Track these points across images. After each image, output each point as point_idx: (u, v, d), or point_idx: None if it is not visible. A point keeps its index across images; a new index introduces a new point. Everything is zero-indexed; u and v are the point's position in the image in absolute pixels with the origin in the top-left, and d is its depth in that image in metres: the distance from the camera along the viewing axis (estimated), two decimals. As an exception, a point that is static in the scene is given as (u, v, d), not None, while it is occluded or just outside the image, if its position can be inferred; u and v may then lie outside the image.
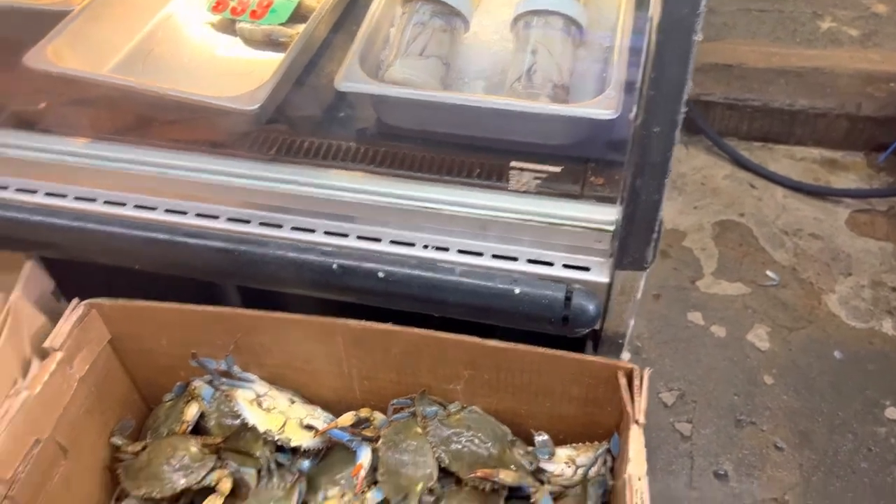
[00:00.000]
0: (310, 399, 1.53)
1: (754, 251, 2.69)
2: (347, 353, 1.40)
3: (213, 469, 1.40)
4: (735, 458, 2.17)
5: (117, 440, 1.49)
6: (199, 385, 1.50)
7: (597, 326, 1.25)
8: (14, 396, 1.24)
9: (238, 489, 1.42)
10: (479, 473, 1.36)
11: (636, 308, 1.22)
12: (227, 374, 1.49)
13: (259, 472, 1.45)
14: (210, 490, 1.39)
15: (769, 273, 2.61)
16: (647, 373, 1.25)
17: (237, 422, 1.47)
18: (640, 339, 2.45)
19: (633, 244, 1.11)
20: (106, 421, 1.48)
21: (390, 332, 1.34)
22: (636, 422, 1.20)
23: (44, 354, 1.32)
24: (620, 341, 1.29)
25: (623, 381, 1.26)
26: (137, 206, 1.33)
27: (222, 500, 1.37)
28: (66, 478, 1.36)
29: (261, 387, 1.48)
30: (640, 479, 1.12)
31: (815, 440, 2.18)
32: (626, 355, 1.34)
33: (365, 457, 1.40)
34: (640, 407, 1.21)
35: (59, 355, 1.31)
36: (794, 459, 2.15)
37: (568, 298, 1.19)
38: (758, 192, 2.91)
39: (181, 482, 1.39)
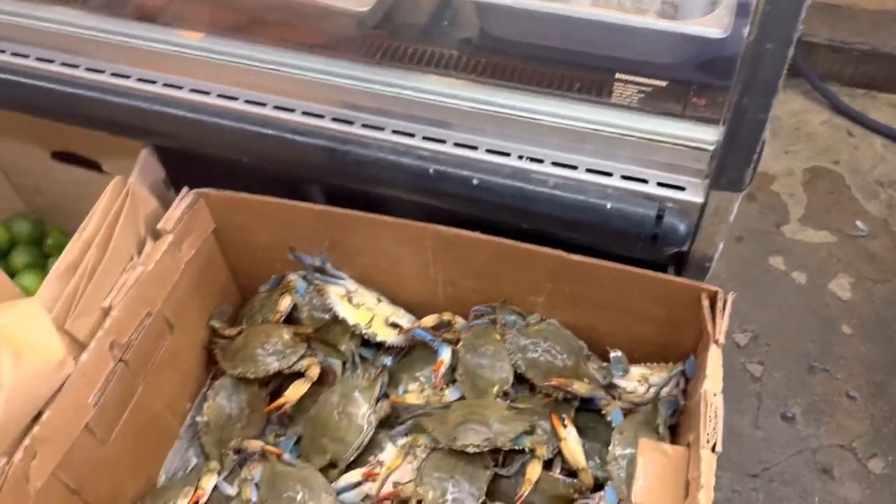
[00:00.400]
0: (394, 301, 1.60)
1: (845, 200, 2.62)
2: (434, 258, 1.45)
3: (303, 356, 1.50)
4: (804, 402, 2.17)
5: (215, 323, 1.60)
6: (295, 279, 1.59)
7: (684, 248, 1.27)
8: (130, 271, 1.35)
9: (324, 377, 1.52)
10: (554, 382, 1.41)
11: (727, 232, 1.23)
12: (320, 270, 1.57)
13: (344, 363, 1.54)
14: (298, 375, 1.50)
15: (859, 223, 2.54)
16: (731, 297, 1.26)
17: (327, 315, 1.55)
18: (718, 279, 2.41)
19: (732, 164, 1.11)
20: (207, 305, 1.59)
21: (477, 241, 1.38)
22: (716, 342, 1.22)
23: (156, 236, 1.42)
24: (707, 265, 1.30)
25: (706, 302, 1.27)
26: (248, 102, 1.39)
27: (309, 385, 1.47)
28: (171, 351, 1.47)
29: (351, 284, 1.56)
30: (715, 395, 1.15)
31: (890, 392, 2.16)
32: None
33: (446, 355, 1.47)
34: (721, 328, 1.23)
35: (169, 238, 1.41)
36: (866, 409, 2.13)
37: (660, 217, 1.20)
38: (855, 141, 2.80)
39: (274, 365, 1.49)
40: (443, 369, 1.45)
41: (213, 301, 1.61)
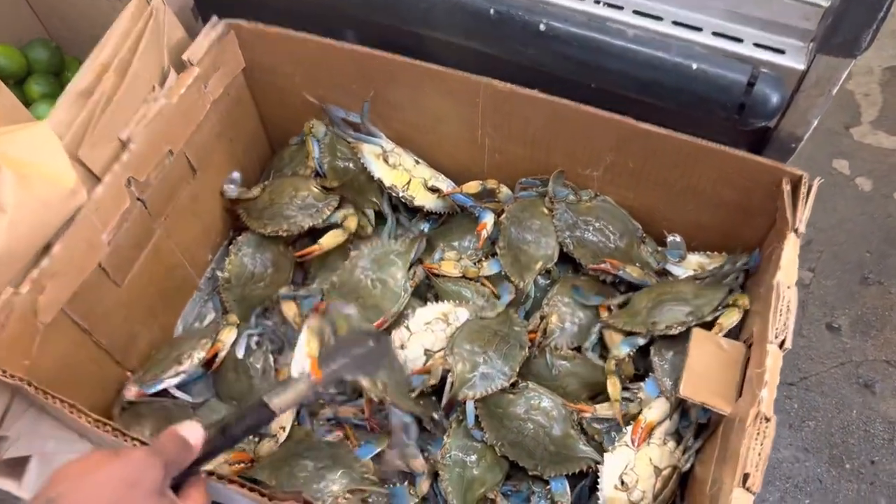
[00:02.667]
0: (434, 166, 1.47)
1: (925, 106, 2.41)
2: (484, 117, 1.31)
3: (337, 208, 1.39)
4: (853, 314, 2.05)
5: (229, 191, 1.47)
6: (316, 123, 1.47)
7: (771, 123, 1.12)
8: (152, 103, 1.22)
9: (357, 232, 1.42)
10: (606, 263, 1.30)
11: (824, 107, 1.07)
12: (355, 126, 1.44)
13: (377, 213, 1.44)
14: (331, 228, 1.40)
15: (936, 132, 2.35)
16: (816, 182, 1.12)
17: (351, 165, 1.44)
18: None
19: (850, 21, 0.94)
20: (234, 151, 1.47)
21: (536, 100, 1.24)
22: (795, 230, 1.09)
23: (181, 68, 1.28)
24: (793, 146, 1.15)
25: (787, 187, 1.14)
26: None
27: (347, 235, 1.37)
28: (192, 197, 1.37)
29: (387, 143, 1.43)
30: (788, 288, 1.03)
31: (946, 312, 2.03)
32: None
33: (489, 219, 1.35)
34: (802, 216, 1.10)
35: (196, 70, 1.27)
36: (918, 327, 2.02)
37: (751, 83, 1.05)
38: (944, 42, 2.56)
39: (307, 222, 1.39)
40: (485, 233, 1.34)
41: (240, 148, 1.49)
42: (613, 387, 1.23)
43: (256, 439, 1.29)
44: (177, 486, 0.75)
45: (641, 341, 1.25)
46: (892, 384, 1.93)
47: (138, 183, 1.21)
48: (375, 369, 1.13)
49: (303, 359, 1.23)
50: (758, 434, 0.93)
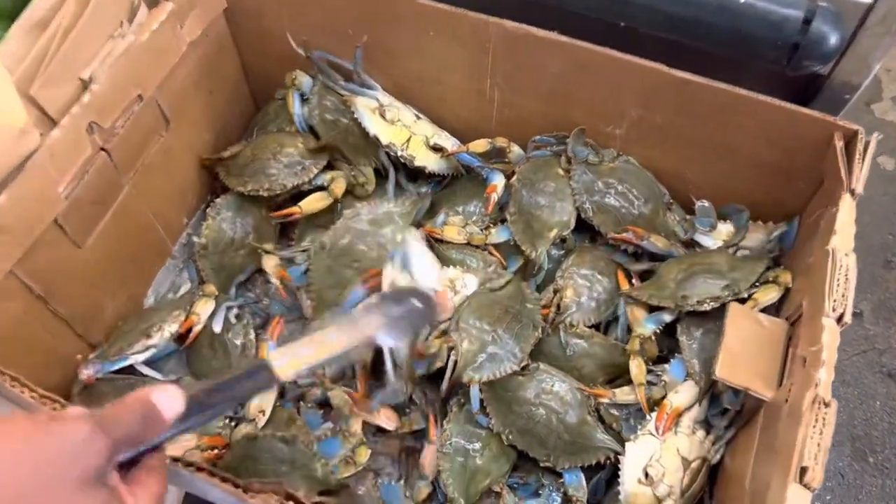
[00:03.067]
0: (437, 123, 1.33)
1: (949, 82, 2.28)
2: (494, 65, 1.17)
3: (325, 168, 1.25)
4: (876, 299, 1.93)
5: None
6: (299, 74, 1.32)
7: (825, 69, 0.98)
8: (119, 39, 1.08)
9: (353, 191, 1.29)
10: (627, 235, 1.16)
11: (889, 49, 0.94)
12: (347, 75, 1.30)
13: (377, 170, 1.31)
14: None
15: (961, 110, 2.22)
16: (874, 138, 0.99)
17: (345, 119, 1.30)
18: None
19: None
20: (213, 103, 1.32)
21: (553, 43, 1.10)
22: (851, 191, 0.96)
23: (153, 3, 1.13)
24: (847, 96, 1.02)
25: (839, 143, 1.00)
26: None
27: (331, 202, 1.23)
28: (166, 152, 1.22)
29: (383, 96, 1.29)
30: (847, 255, 0.90)
31: (974, 296, 1.91)
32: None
33: (499, 181, 1.21)
34: (860, 175, 0.96)
35: (169, 6, 1.13)
36: (944, 314, 1.89)
37: (808, 20, 0.91)
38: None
39: (290, 180, 1.24)
40: (495, 195, 1.20)
41: (220, 101, 1.34)
42: (638, 368, 1.10)
43: (233, 423, 1.15)
44: (131, 462, 0.58)
45: (668, 317, 1.12)
46: (918, 373, 1.81)
47: (102, 130, 1.06)
48: (415, 332, 0.98)
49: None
50: (816, 421, 0.80)
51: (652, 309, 1.13)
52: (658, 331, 1.12)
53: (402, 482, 1.13)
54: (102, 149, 1.08)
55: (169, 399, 0.57)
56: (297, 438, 1.09)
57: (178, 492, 1.40)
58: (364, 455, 1.11)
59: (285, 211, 1.23)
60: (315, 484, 1.06)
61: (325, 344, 0.70)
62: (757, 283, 1.08)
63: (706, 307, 1.08)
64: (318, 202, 1.22)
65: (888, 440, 1.74)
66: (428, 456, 1.12)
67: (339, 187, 1.23)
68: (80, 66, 1.04)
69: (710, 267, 1.11)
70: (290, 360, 0.67)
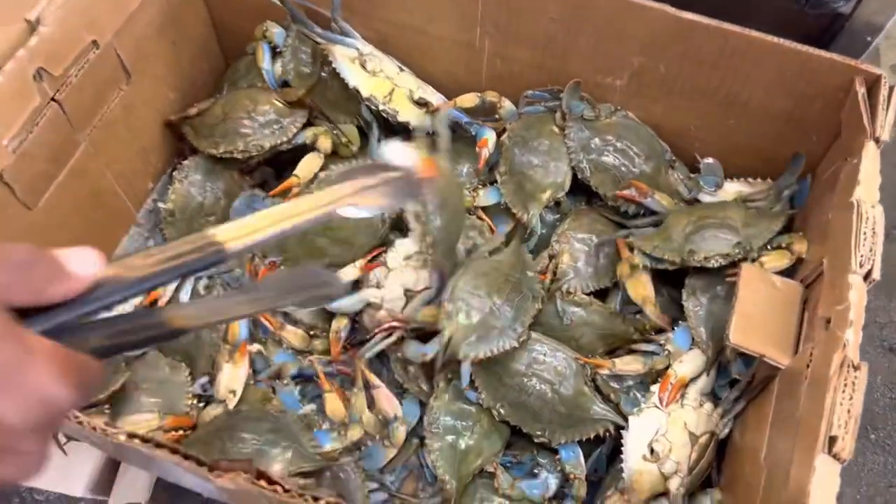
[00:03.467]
0: (423, 77, 1.23)
1: (950, 49, 2.22)
2: (485, 11, 1.08)
3: (306, 126, 1.15)
4: (876, 271, 1.86)
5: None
6: (270, 25, 1.22)
7: (846, 8, 0.90)
8: (69, -23, 0.97)
9: (336, 150, 1.19)
10: (631, 190, 1.08)
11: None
12: (324, 24, 1.20)
13: (360, 128, 1.21)
14: (304, 150, 1.16)
15: (962, 77, 2.15)
16: (900, 83, 0.91)
17: (323, 74, 1.20)
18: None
19: None
20: (177, 56, 1.22)
21: (550, -14, 1.01)
22: (876, 139, 0.88)
23: (109, -60, 1.03)
24: (869, 39, 0.94)
25: (861, 89, 0.92)
26: None
27: (322, 160, 1.13)
28: (126, 107, 1.12)
29: (364, 45, 1.19)
30: (873, 207, 0.83)
31: (976, 270, 1.85)
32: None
33: (490, 135, 1.12)
34: (885, 121, 0.88)
35: (127, -58, 1.03)
36: (945, 286, 1.84)
37: (829, -53, 0.83)
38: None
39: (268, 140, 1.15)
40: (486, 151, 1.11)
41: (185, 54, 1.24)
42: (637, 286, 1.03)
43: (201, 404, 1.06)
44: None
45: (670, 266, 1.04)
46: (920, 347, 1.75)
47: (52, 78, 0.96)
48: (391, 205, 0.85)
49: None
50: (845, 386, 0.72)
51: (656, 260, 1.05)
52: (650, 267, 1.04)
53: (377, 438, 1.06)
54: (53, 99, 0.97)
55: (81, 255, 0.46)
56: (287, 414, 1.03)
57: (149, 477, 1.31)
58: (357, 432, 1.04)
59: (283, 185, 1.13)
60: (297, 459, 0.98)
61: (284, 212, 0.56)
62: (769, 246, 1.01)
63: (713, 264, 1.00)
64: (313, 164, 1.13)
65: (890, 416, 1.68)
66: (381, 399, 1.05)
67: (326, 143, 1.13)
68: (26, 5, 0.93)
69: (722, 221, 1.02)
70: (239, 228, 0.53)
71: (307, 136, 1.15)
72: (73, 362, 0.42)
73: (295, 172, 1.15)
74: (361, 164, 0.89)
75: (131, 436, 0.71)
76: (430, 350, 1.01)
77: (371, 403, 1.06)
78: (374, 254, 1.08)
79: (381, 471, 1.07)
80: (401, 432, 1.04)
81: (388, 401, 1.05)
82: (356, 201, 0.60)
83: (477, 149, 1.12)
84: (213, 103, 1.21)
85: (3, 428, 0.40)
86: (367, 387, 1.06)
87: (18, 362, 0.40)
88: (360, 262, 1.06)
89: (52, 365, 0.41)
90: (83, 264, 0.46)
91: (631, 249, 1.05)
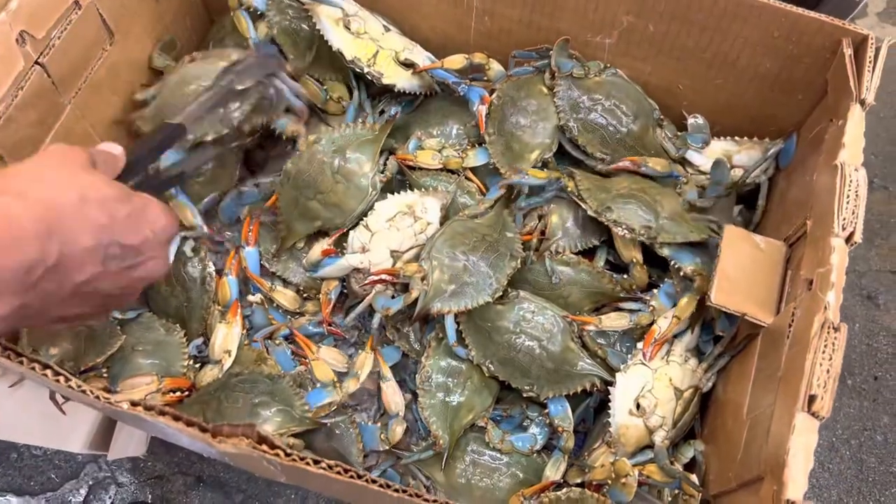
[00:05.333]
0: (409, 36, 1.22)
1: (937, -4, 2.21)
2: (474, -32, 1.07)
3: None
4: (856, 221, 1.89)
5: (159, 61, 1.19)
6: None
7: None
8: (47, -64, 0.95)
9: (325, 109, 1.19)
10: (626, 161, 1.09)
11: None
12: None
13: (350, 89, 1.21)
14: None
15: (948, 25, 2.16)
16: (886, 44, 0.92)
17: (306, 27, 1.18)
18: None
19: None
20: (161, 14, 1.20)
21: (540, -57, 1.00)
22: (861, 102, 0.89)
23: None
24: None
25: (848, 51, 0.93)
26: None
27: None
28: (111, 68, 1.11)
29: (349, 3, 1.17)
30: (856, 170, 0.84)
31: (955, 218, 1.89)
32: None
33: (482, 99, 1.12)
34: (871, 83, 0.89)
35: None
36: (925, 235, 1.87)
37: None
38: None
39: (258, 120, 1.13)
40: (484, 109, 1.11)
41: (169, 11, 1.21)
42: (628, 246, 1.06)
43: (197, 365, 1.08)
44: None
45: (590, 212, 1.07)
46: (896, 296, 1.80)
47: (35, 41, 0.94)
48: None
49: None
50: (825, 347, 0.75)
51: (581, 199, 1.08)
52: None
53: (378, 424, 1.08)
54: (37, 62, 0.96)
55: (109, 145, 0.81)
56: (283, 378, 1.04)
57: (145, 433, 1.33)
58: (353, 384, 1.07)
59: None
60: (287, 421, 1.00)
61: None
62: (681, 246, 1.05)
63: (619, 232, 1.04)
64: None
65: (866, 362, 1.74)
66: (387, 393, 1.07)
67: (296, 130, 1.14)
68: (5, -34, 0.91)
69: (652, 201, 1.06)
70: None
71: (285, 126, 1.15)
72: (164, 203, 0.77)
73: None
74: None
75: (134, 404, 0.72)
76: (395, 305, 1.03)
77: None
78: (336, 236, 1.09)
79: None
80: (397, 432, 1.06)
81: (393, 395, 1.07)
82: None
83: (480, 102, 1.11)
84: (192, 60, 1.19)
85: (147, 243, 0.73)
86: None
87: (144, 206, 0.74)
88: (326, 242, 1.07)
89: (159, 205, 0.76)
90: (116, 148, 0.81)
91: (572, 177, 1.08)
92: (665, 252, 1.03)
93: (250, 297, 1.14)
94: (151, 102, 1.15)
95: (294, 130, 1.15)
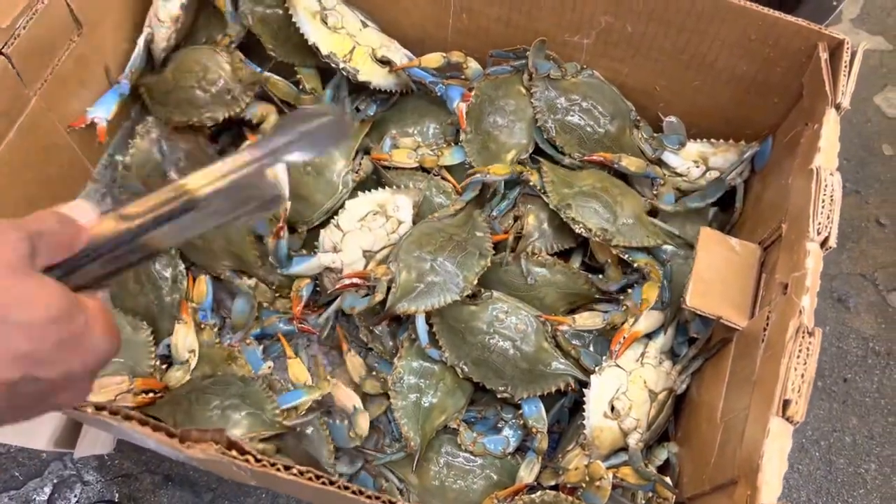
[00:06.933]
0: (387, 32, 1.21)
1: (909, 4, 2.24)
2: (452, -35, 1.06)
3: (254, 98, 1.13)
4: (828, 224, 1.91)
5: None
6: None
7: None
8: (12, -78, 0.92)
9: (296, 102, 1.17)
10: (598, 157, 1.08)
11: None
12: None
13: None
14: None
15: (920, 32, 2.19)
16: (861, 48, 0.92)
17: (281, 12, 1.16)
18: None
19: None
20: (131, 5, 1.17)
21: (518, -59, 0.99)
22: (836, 106, 0.89)
23: None
24: (835, 3, 0.94)
25: (824, 55, 0.93)
26: None
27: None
28: (79, 60, 1.08)
29: (327, -1, 1.16)
30: (831, 174, 0.84)
31: (924, 222, 1.92)
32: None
33: (463, 96, 1.11)
34: (846, 88, 0.90)
35: None
36: None
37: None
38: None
39: (221, 113, 1.12)
40: (465, 107, 1.10)
41: (139, 4, 1.18)
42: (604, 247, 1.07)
43: (164, 366, 1.06)
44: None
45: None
46: (866, 299, 1.82)
47: (1, 30, 0.91)
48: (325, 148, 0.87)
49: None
50: (800, 351, 0.75)
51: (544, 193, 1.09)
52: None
53: (346, 422, 1.06)
54: (1, 52, 0.93)
55: (78, 208, 0.57)
56: (256, 381, 1.03)
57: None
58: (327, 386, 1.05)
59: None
60: (259, 425, 0.98)
61: (238, 161, 0.62)
62: (633, 251, 1.06)
63: (576, 229, 1.05)
64: None
65: (836, 364, 1.76)
66: (339, 396, 1.06)
67: (271, 121, 1.12)
68: (-32, -48, 0.88)
69: (613, 203, 1.06)
70: (206, 175, 0.60)
71: (255, 114, 1.13)
72: (110, 318, 0.57)
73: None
74: (295, 113, 0.89)
75: (98, 408, 0.70)
76: (361, 304, 1.02)
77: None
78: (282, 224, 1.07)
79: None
80: (362, 425, 1.05)
81: (343, 394, 1.06)
82: (301, 147, 0.66)
83: (461, 99, 1.10)
84: (163, 65, 1.17)
85: (71, 376, 0.55)
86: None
87: (85, 331, 0.55)
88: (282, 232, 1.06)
89: (103, 327, 0.56)
90: (85, 216, 0.57)
91: (539, 170, 1.09)
92: (620, 252, 1.05)
93: (248, 282, 1.13)
94: (158, 80, 1.15)
95: (263, 115, 1.14)
